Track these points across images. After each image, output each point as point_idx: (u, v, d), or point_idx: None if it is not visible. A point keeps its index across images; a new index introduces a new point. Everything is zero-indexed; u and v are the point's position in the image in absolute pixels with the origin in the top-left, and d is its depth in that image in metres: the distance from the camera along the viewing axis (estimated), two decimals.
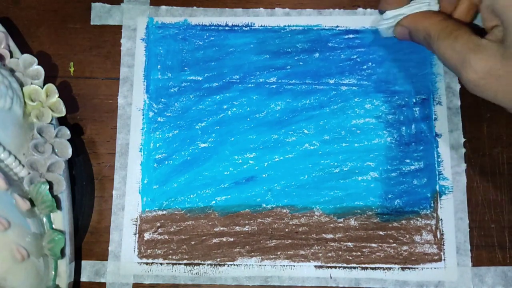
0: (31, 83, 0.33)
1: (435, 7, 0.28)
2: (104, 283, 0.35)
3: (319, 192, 0.36)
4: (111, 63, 0.39)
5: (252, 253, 0.36)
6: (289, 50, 0.38)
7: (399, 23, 0.29)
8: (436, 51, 0.26)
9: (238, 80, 0.38)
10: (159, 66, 0.38)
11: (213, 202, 0.36)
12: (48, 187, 0.31)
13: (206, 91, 0.38)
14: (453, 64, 0.25)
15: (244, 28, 0.39)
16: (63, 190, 0.32)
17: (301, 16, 0.39)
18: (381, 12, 0.29)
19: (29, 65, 0.33)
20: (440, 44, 0.26)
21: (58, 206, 0.32)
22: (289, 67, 0.38)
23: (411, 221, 0.36)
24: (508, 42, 0.22)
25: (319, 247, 0.36)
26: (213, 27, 0.39)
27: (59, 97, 0.33)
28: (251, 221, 0.36)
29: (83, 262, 0.36)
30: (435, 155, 0.37)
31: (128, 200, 0.36)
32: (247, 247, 0.36)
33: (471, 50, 0.24)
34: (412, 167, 0.37)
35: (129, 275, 0.35)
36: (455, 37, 0.25)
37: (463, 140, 0.37)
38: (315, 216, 0.36)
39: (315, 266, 0.35)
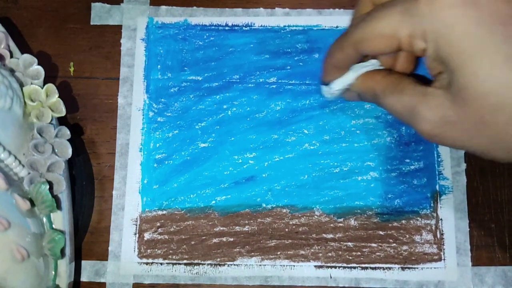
0: (31, 83, 0.33)
1: (379, 66, 0.28)
2: (104, 283, 0.35)
3: (319, 192, 0.36)
4: (111, 63, 0.39)
5: (252, 253, 0.36)
6: (289, 50, 0.38)
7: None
8: (385, 107, 0.26)
9: (238, 80, 0.38)
10: (159, 66, 0.38)
11: (213, 202, 0.36)
12: (48, 187, 0.31)
13: (206, 91, 0.38)
14: (404, 118, 0.24)
15: (244, 28, 0.39)
16: (63, 190, 0.32)
17: (301, 16, 0.39)
18: (325, 84, 0.29)
19: (29, 65, 0.33)
20: (387, 100, 0.25)
21: (58, 206, 0.32)
22: (289, 67, 0.38)
23: (411, 221, 0.36)
24: (456, 87, 0.21)
25: (319, 247, 0.36)
26: (213, 27, 0.39)
27: (59, 97, 0.33)
28: (251, 221, 0.36)
29: (83, 262, 0.36)
30: (435, 155, 0.37)
31: (128, 200, 0.36)
32: (247, 247, 0.36)
33: (419, 100, 0.23)
34: (412, 167, 0.37)
35: (129, 275, 0.35)
36: (401, 90, 0.24)
37: None
38: (315, 216, 0.36)
39: (315, 266, 0.35)
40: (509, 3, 0.20)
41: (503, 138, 0.21)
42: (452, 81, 0.21)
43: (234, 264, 0.36)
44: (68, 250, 0.32)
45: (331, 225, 0.36)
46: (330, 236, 0.36)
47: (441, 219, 0.36)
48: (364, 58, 0.27)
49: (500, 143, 0.21)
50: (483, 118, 0.21)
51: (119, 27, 0.39)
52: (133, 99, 0.38)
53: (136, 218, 0.36)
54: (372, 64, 0.28)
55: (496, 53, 0.20)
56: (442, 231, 0.36)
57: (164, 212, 0.36)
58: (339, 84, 0.28)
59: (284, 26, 0.39)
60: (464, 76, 0.21)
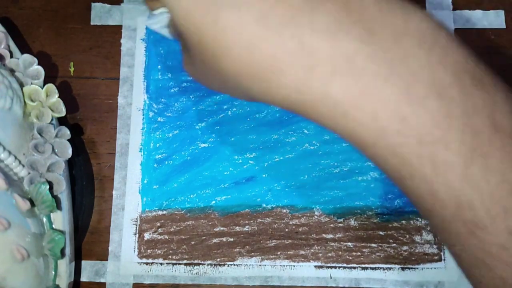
0: (31, 83, 0.33)
1: None
2: (104, 283, 0.35)
3: (319, 192, 0.36)
4: (111, 63, 0.39)
5: (252, 253, 0.36)
6: None
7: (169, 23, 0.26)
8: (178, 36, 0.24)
9: None
10: (159, 66, 0.38)
11: (213, 202, 0.36)
12: (48, 187, 0.31)
13: (206, 91, 0.38)
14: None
15: None
16: (63, 190, 0.32)
17: None
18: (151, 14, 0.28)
19: (29, 65, 0.33)
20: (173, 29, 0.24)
21: (58, 206, 0.32)
22: None
23: (411, 221, 0.36)
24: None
25: (319, 247, 0.36)
26: None
27: (59, 97, 0.33)
28: (251, 221, 0.36)
29: (83, 262, 0.36)
30: None
31: (128, 200, 0.36)
32: (247, 247, 0.36)
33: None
34: None
35: (129, 275, 0.35)
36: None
37: None
38: (315, 216, 0.36)
39: (315, 266, 0.35)
40: None
41: (222, 74, 0.19)
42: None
43: (234, 264, 0.36)
44: (68, 250, 0.32)
45: (331, 225, 0.36)
46: (330, 236, 0.36)
47: None
48: None
49: (224, 80, 0.20)
50: (202, 56, 0.19)
51: (119, 27, 0.39)
52: (133, 99, 0.38)
53: (136, 218, 0.36)
54: None
55: None
56: None
57: (164, 212, 0.36)
58: (157, 12, 0.26)
59: None
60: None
